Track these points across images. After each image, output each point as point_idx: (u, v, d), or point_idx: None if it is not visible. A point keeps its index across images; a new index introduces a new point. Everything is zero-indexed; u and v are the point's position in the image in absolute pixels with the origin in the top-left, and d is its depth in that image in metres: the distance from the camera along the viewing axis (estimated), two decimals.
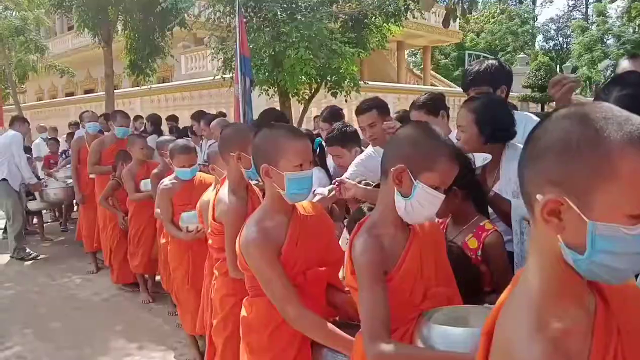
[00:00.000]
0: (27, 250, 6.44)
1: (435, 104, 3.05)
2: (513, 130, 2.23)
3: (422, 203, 1.43)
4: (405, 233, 1.53)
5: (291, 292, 1.70)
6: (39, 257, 6.38)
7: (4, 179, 6.28)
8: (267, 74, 6.78)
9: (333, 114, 4.03)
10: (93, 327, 4.36)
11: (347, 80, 7.20)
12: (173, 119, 8.05)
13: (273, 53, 6.50)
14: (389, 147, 1.54)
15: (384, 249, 1.46)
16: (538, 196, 0.77)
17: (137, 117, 8.40)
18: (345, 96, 7.33)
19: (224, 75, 7.53)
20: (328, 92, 7.27)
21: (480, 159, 2.39)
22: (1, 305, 4.92)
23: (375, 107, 2.98)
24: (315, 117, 10.00)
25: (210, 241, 2.50)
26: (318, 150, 3.37)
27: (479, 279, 1.91)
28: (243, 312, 1.94)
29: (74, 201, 7.10)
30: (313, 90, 7.56)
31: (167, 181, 3.50)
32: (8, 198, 6.30)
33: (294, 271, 1.75)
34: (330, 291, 1.88)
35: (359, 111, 3.01)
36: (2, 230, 7.42)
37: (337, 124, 3.43)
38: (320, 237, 1.88)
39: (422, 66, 29.36)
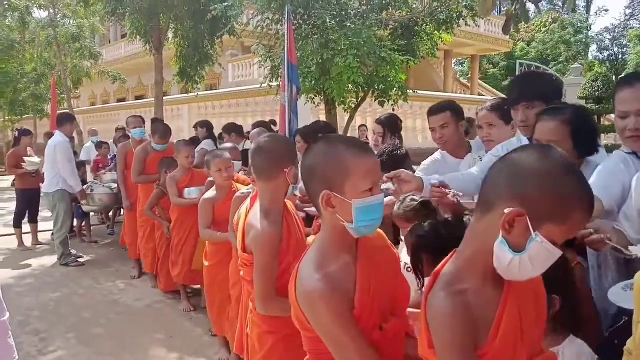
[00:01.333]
0: (73, 256, 6.46)
1: (510, 111, 2.86)
2: (598, 144, 2.04)
3: (534, 261, 1.07)
4: (497, 284, 1.15)
5: (372, 358, 1.35)
6: (83, 265, 6.39)
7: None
8: (313, 82, 6.69)
9: (391, 121, 3.89)
10: (134, 334, 4.33)
11: (395, 89, 7.01)
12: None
13: (321, 61, 6.41)
14: (503, 173, 1.11)
15: (472, 311, 1.10)
16: None
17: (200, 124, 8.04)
18: (392, 105, 7.15)
19: (270, 83, 7.49)
20: (375, 100, 7.10)
21: None
22: (47, 308, 4.97)
23: (450, 109, 2.82)
24: (361, 126, 9.87)
25: (241, 272, 2.23)
26: None
27: None
28: None
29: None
30: (359, 99, 7.41)
31: (245, 189, 3.31)
32: (61, 202, 6.36)
33: (370, 326, 1.38)
34: None
35: (432, 112, 2.86)
36: (52, 232, 7.60)
37: (386, 147, 3.25)
38: (389, 272, 1.51)
39: (469, 75, 28.82)
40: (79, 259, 6.51)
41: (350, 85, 6.49)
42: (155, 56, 10.02)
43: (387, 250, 1.56)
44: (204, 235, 3.73)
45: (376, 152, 3.51)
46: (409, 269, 1.86)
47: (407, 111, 10.40)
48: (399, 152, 3.15)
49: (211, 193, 3.74)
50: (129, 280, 5.85)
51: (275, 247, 1.96)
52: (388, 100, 7.02)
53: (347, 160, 1.35)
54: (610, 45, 39.71)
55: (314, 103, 7.44)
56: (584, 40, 34.08)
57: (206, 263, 3.76)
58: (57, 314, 4.82)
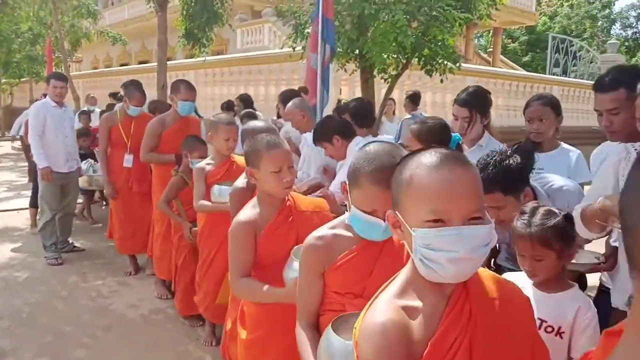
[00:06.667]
0: (51, 251, 5.22)
1: None
2: None
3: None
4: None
5: None
6: (56, 264, 5.13)
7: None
8: (347, 45, 5.55)
9: (478, 98, 2.79)
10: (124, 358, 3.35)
11: (440, 56, 5.82)
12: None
13: (357, 18, 5.28)
14: None
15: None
16: None
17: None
18: (441, 76, 5.93)
19: (292, 45, 6.31)
20: (422, 69, 5.90)
21: None
22: (19, 317, 3.98)
23: (623, 82, 1.74)
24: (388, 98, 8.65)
25: None
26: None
27: None
28: None
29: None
30: (400, 66, 6.18)
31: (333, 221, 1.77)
32: (41, 182, 5.24)
33: None
34: None
35: (599, 86, 1.80)
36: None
37: (490, 155, 1.99)
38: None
39: (487, 50, 27.34)
40: (60, 256, 5.23)
41: (393, 49, 5.34)
42: (158, 14, 8.87)
43: None
44: (239, 291, 2.02)
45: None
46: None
47: (426, 83, 8.85)
48: (511, 161, 1.97)
49: (251, 212, 2.04)
50: (122, 277, 4.86)
51: None
52: (436, 69, 5.83)
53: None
54: (634, 23, 37.97)
55: (346, 71, 6.28)
56: (610, 16, 32.50)
57: (243, 334, 2.08)
58: (30, 325, 3.83)
